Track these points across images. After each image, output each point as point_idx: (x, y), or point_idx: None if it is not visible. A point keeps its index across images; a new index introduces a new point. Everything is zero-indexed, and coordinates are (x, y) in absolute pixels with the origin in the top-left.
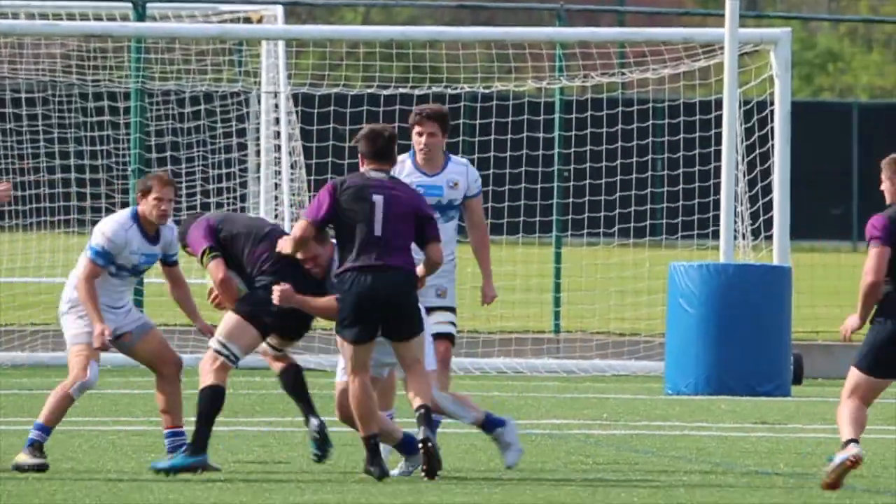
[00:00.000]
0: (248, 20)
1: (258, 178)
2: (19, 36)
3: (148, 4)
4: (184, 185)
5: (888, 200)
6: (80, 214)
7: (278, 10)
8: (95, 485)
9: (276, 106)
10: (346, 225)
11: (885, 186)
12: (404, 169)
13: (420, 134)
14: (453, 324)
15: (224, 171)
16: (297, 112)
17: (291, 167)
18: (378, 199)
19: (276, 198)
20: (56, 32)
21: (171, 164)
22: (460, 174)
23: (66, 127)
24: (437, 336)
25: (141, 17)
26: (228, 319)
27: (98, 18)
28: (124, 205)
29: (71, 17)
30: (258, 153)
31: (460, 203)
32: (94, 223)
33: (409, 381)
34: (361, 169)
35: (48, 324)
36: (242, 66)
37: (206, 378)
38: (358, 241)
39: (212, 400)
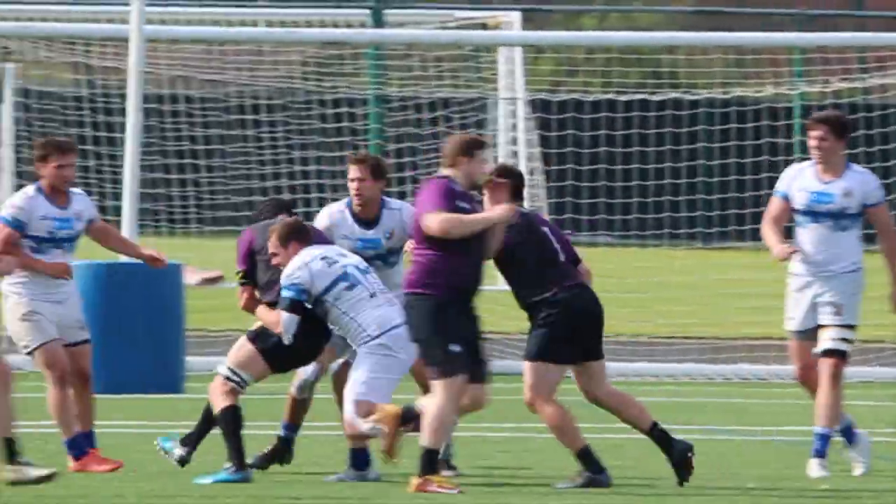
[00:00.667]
0: (485, 26)
1: None
2: (259, 43)
3: (385, 11)
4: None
5: None
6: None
7: (515, 16)
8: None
9: (514, 112)
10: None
11: None
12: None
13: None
14: (845, 340)
15: None
16: (534, 118)
17: (529, 174)
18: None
19: None
20: (295, 40)
21: (409, 171)
22: (860, 182)
23: (306, 133)
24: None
25: (378, 23)
26: (243, 349)
27: (336, 26)
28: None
29: (309, 24)
30: (496, 159)
31: (857, 213)
32: None
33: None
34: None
35: None
36: (480, 72)
37: (220, 401)
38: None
39: (234, 419)
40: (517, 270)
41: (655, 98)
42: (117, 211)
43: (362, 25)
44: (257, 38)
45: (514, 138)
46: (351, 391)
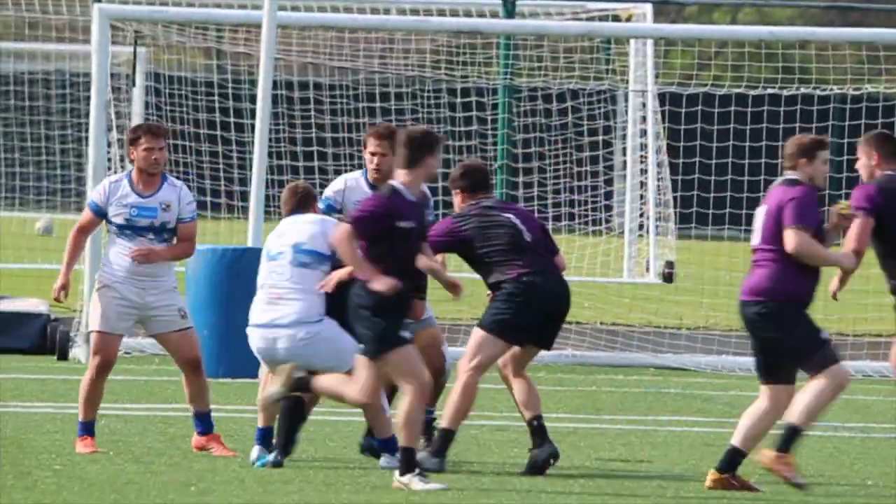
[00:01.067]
0: (616, 18)
1: (623, 176)
2: (390, 31)
3: (517, 1)
4: (549, 182)
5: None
6: (445, 209)
7: (647, 8)
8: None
9: (643, 104)
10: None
11: (859, 164)
12: None
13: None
14: None
15: (589, 168)
16: (663, 111)
17: (657, 167)
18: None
19: (642, 197)
20: (426, 28)
21: (536, 161)
22: None
23: (434, 122)
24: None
25: (510, 13)
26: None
27: (468, 15)
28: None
29: (441, 13)
30: (624, 152)
31: None
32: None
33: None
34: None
35: None
36: (610, 63)
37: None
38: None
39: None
40: (481, 259)
41: (786, 93)
42: (244, 197)
43: (494, 15)
44: (389, 26)
45: (642, 131)
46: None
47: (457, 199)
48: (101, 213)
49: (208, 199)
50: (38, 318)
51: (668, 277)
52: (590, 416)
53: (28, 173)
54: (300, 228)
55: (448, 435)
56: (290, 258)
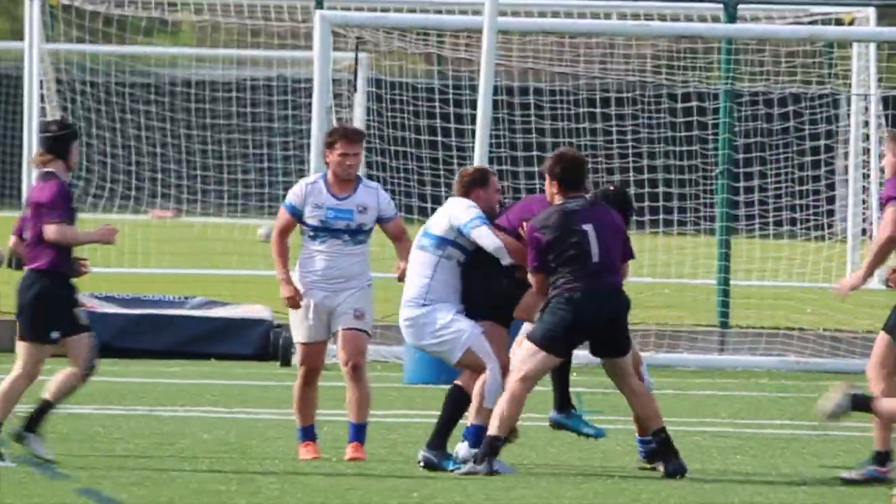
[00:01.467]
0: (839, 22)
1: (846, 181)
2: (611, 36)
3: (739, 6)
4: (770, 187)
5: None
6: (666, 214)
7: (871, 11)
8: (680, 485)
9: (866, 109)
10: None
11: (885, 161)
12: None
13: None
14: None
15: (811, 173)
16: (887, 115)
17: (880, 171)
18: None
19: (864, 202)
20: (647, 33)
21: (757, 166)
22: None
23: (655, 127)
24: None
25: (732, 18)
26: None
27: (689, 19)
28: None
29: (662, 18)
30: (846, 156)
31: None
32: (686, 223)
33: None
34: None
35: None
36: (832, 67)
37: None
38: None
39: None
40: (547, 265)
41: None
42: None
43: (715, 19)
44: (609, 31)
45: (865, 135)
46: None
47: (551, 189)
48: (297, 214)
49: (429, 205)
50: (261, 324)
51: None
52: (813, 423)
53: (250, 180)
54: (437, 213)
55: (495, 442)
56: (416, 242)
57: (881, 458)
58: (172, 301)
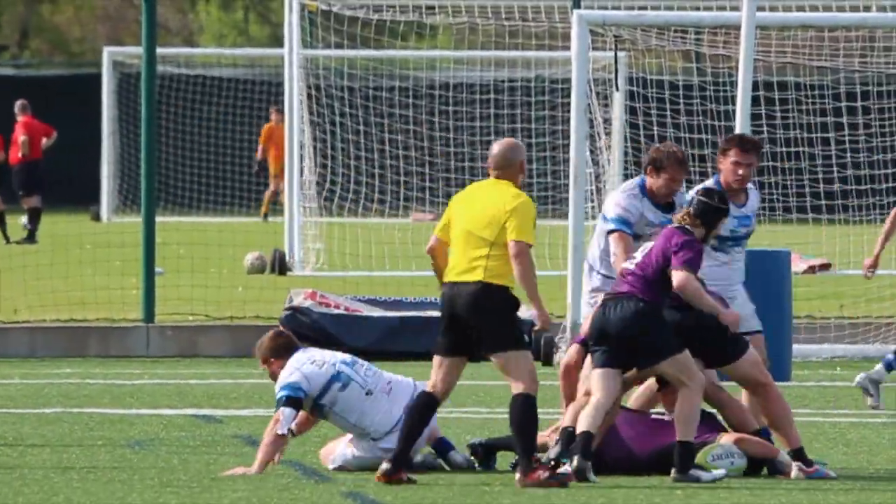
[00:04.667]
0: None
1: None
2: (871, 28)
3: None
4: None
5: None
6: None
7: None
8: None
9: None
10: None
11: None
12: None
13: None
14: None
15: None
16: None
17: None
18: None
19: None
20: None
21: None
22: None
23: None
24: None
25: None
26: None
27: None
28: None
29: None
30: None
31: None
32: None
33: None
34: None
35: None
36: None
37: None
38: None
39: None
40: None
41: None
42: None
43: None
44: (869, 24)
45: None
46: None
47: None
48: None
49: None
50: (523, 323)
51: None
52: None
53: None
54: None
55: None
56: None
57: None
58: (434, 303)
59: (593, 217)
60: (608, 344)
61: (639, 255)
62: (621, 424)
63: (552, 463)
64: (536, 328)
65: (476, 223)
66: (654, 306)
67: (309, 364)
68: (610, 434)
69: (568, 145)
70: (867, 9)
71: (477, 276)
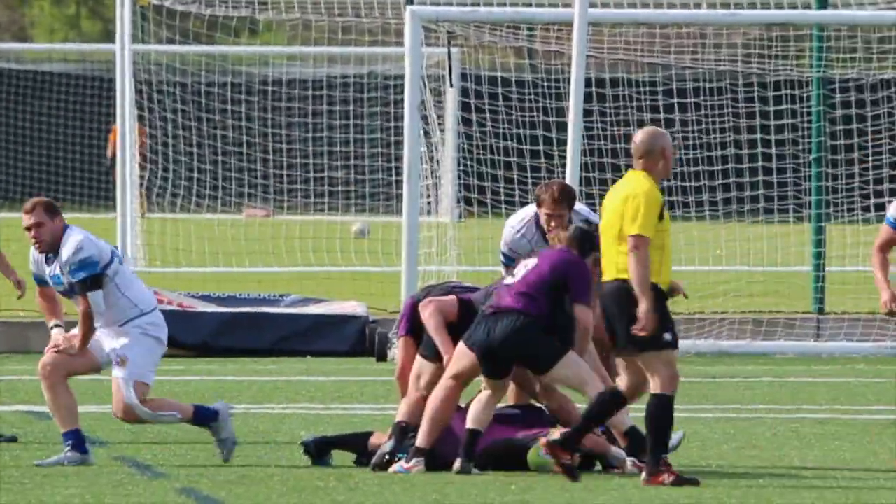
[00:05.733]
0: None
1: None
2: (701, 26)
3: None
4: (870, 173)
5: None
6: (765, 203)
7: None
8: (783, 471)
9: None
10: None
11: None
12: None
13: None
14: None
15: None
16: None
17: None
18: None
19: None
20: (738, 22)
21: (857, 152)
22: None
23: (746, 116)
24: None
25: (823, 4)
26: None
27: (779, 7)
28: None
29: (752, 6)
30: None
31: None
32: (779, 211)
33: None
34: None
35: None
36: None
37: None
38: None
39: None
40: None
41: None
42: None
43: (806, 6)
44: (700, 21)
45: None
46: (126, 372)
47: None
48: None
49: (529, 199)
50: (357, 320)
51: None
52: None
53: (344, 178)
54: None
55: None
56: None
57: None
58: (268, 299)
59: (428, 213)
60: (493, 358)
61: (521, 271)
62: (456, 422)
63: (386, 458)
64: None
65: None
66: (537, 319)
67: (92, 237)
68: (445, 431)
69: (402, 142)
70: (697, 6)
71: None
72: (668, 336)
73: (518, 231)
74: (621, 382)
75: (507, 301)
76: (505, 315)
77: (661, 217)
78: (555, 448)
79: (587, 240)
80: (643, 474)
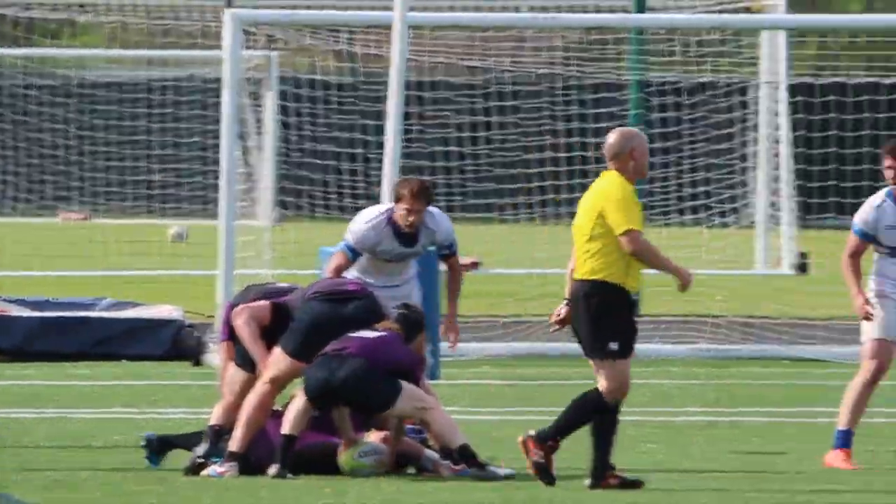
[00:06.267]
0: (748, 10)
1: (755, 168)
2: (521, 29)
3: None
4: (685, 175)
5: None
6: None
7: None
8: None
9: (776, 96)
10: None
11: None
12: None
13: None
14: None
15: (722, 160)
16: (797, 102)
17: (793, 159)
18: None
19: (775, 188)
20: (557, 25)
21: (673, 154)
22: None
23: (566, 119)
24: None
25: (641, 8)
26: None
27: (598, 11)
28: None
29: (572, 9)
30: (755, 141)
31: None
32: None
33: None
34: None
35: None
36: (742, 56)
37: None
38: None
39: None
40: None
41: None
42: (380, 198)
43: (625, 10)
44: (519, 24)
45: (776, 124)
46: None
47: None
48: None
49: (347, 202)
50: (172, 324)
51: (802, 268)
52: (725, 409)
53: (161, 181)
54: None
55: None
56: None
57: None
58: (83, 303)
59: (244, 216)
60: (329, 398)
61: (372, 334)
62: (270, 425)
63: (199, 461)
64: None
65: None
66: (375, 365)
67: None
68: (259, 435)
69: (219, 145)
70: (518, 9)
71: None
72: (613, 346)
73: (368, 223)
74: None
75: (351, 348)
76: (349, 360)
77: None
78: (527, 444)
79: (413, 325)
80: (589, 479)
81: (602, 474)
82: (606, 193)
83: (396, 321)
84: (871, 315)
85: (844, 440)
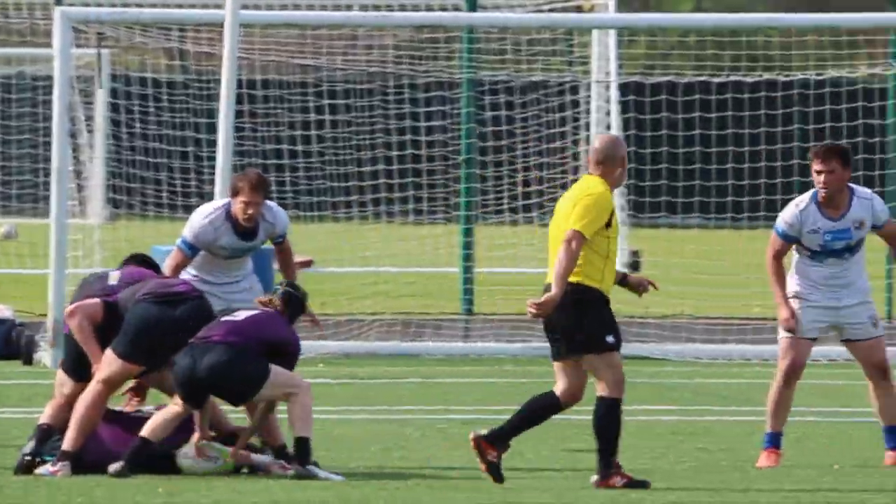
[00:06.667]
0: (578, 9)
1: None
2: (353, 28)
3: None
4: (518, 175)
5: None
6: (414, 204)
7: None
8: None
9: (607, 95)
10: None
11: None
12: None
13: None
14: None
15: (555, 160)
16: (628, 101)
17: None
18: None
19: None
20: (388, 24)
21: (506, 153)
22: (867, 209)
23: (398, 118)
24: None
25: (473, 7)
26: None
27: (430, 9)
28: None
29: (403, 8)
30: (588, 140)
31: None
32: (429, 213)
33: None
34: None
35: (383, 312)
36: (573, 55)
37: None
38: None
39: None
40: None
41: (749, 80)
42: (213, 196)
43: (456, 8)
44: (351, 23)
45: (607, 122)
46: None
47: None
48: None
49: (179, 201)
50: (3, 323)
51: (634, 266)
52: None
53: None
54: None
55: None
56: None
57: None
58: None
59: (74, 215)
60: (197, 388)
61: (241, 315)
62: (101, 426)
63: (27, 460)
64: None
65: None
66: (243, 349)
67: None
68: (91, 436)
69: (50, 143)
70: (349, 7)
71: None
72: (610, 339)
73: (207, 217)
74: (557, 388)
75: (217, 335)
76: (213, 347)
77: (608, 224)
78: (480, 444)
79: (297, 305)
80: (595, 476)
81: (608, 473)
82: (586, 192)
83: (281, 299)
84: (794, 329)
85: (772, 441)
